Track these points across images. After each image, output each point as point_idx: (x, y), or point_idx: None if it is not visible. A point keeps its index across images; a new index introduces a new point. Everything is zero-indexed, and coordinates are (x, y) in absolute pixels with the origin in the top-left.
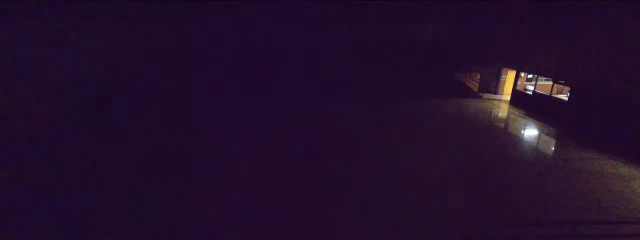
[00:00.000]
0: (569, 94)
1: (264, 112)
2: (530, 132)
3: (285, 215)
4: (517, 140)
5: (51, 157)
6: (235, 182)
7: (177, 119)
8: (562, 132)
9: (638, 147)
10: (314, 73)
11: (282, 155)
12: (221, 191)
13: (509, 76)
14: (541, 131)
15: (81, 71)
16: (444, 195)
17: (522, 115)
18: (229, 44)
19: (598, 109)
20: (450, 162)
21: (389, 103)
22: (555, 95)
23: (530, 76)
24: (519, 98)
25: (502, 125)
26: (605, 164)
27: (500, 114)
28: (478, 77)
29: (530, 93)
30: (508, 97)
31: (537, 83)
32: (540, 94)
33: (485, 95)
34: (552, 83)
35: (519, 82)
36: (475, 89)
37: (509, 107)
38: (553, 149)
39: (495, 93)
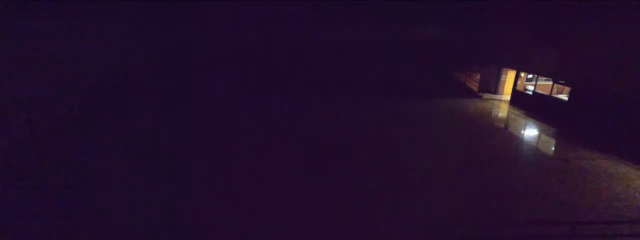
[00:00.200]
0: (569, 94)
1: (264, 112)
2: (530, 132)
3: (285, 215)
4: (517, 140)
5: (51, 157)
6: (235, 182)
7: (176, 119)
8: (562, 132)
9: (638, 147)
10: (314, 73)
11: (282, 155)
12: (221, 191)
13: (509, 76)
14: (541, 131)
15: (81, 71)
16: (444, 195)
17: (522, 115)
18: (228, 44)
19: (598, 109)
20: (450, 162)
21: (389, 103)
22: (555, 95)
23: (530, 76)
24: (519, 98)
25: (502, 125)
26: (605, 164)
27: (500, 114)
28: (478, 77)
29: (530, 93)
30: (508, 97)
31: (537, 83)
32: (540, 94)
33: (485, 95)
34: (552, 83)
35: (519, 82)
36: (475, 89)
37: (509, 107)
38: (553, 149)
39: (495, 93)
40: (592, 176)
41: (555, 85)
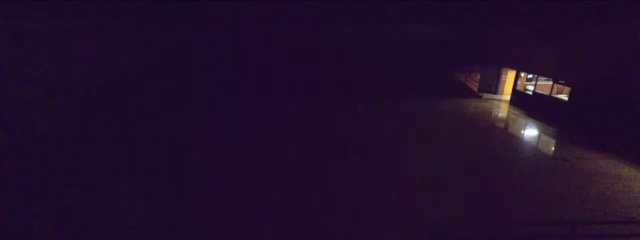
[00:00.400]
0: (569, 94)
1: (264, 112)
2: (530, 132)
3: (285, 215)
4: (517, 140)
5: (51, 158)
6: (236, 182)
7: (176, 119)
8: (562, 132)
9: (638, 147)
10: (314, 73)
11: (282, 155)
12: (221, 191)
13: (509, 76)
14: (541, 131)
15: (81, 71)
16: (444, 195)
17: (522, 115)
18: (228, 44)
19: (598, 109)
20: (449, 162)
21: (389, 103)
22: (555, 95)
23: (530, 76)
24: (519, 98)
25: (502, 125)
26: (606, 164)
27: (500, 114)
28: (478, 77)
29: (530, 93)
30: (508, 97)
31: (537, 83)
32: (540, 94)
33: (485, 95)
34: (552, 83)
35: (519, 82)
36: (475, 89)
37: (509, 107)
38: (553, 149)
39: (495, 93)
40: (592, 176)
41: (555, 85)
